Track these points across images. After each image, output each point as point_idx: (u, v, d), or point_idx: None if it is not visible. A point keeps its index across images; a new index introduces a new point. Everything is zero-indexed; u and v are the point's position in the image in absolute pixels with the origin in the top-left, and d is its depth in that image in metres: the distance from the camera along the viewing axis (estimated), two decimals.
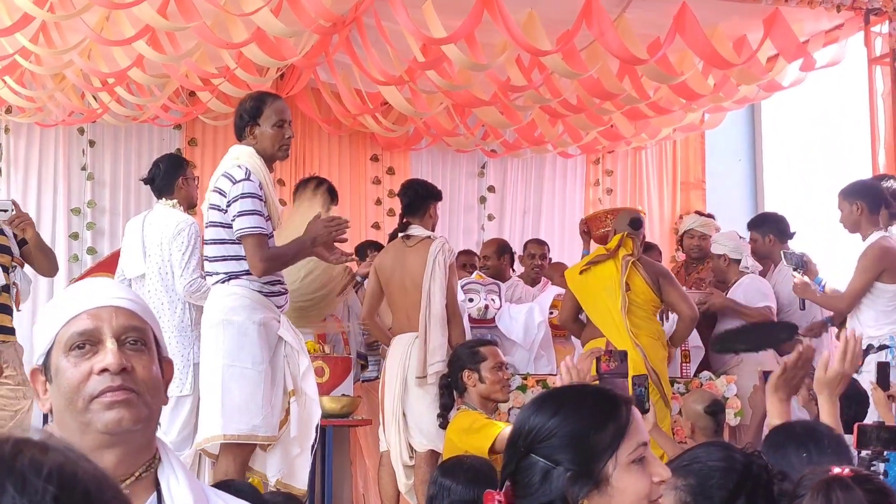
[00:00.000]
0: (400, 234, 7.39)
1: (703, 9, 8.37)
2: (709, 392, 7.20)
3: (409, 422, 7.00)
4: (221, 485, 4.98)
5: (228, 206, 5.62)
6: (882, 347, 6.79)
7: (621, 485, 2.23)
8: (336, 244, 5.92)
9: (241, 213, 5.58)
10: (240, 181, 5.60)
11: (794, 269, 7.33)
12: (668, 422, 7.11)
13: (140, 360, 2.10)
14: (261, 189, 5.67)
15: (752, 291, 8.06)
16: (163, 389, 2.14)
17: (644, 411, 5.72)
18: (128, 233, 7.28)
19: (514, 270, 9.68)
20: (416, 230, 7.23)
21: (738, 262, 8.23)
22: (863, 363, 6.76)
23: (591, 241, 9.15)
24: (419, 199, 7.30)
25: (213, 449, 5.68)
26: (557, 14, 8.29)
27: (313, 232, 5.75)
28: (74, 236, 10.83)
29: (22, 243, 6.74)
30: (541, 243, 9.87)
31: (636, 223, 7.92)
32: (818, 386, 3.85)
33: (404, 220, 7.34)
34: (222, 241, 5.70)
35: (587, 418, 2.28)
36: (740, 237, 8.55)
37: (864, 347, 6.85)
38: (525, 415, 2.35)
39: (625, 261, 7.52)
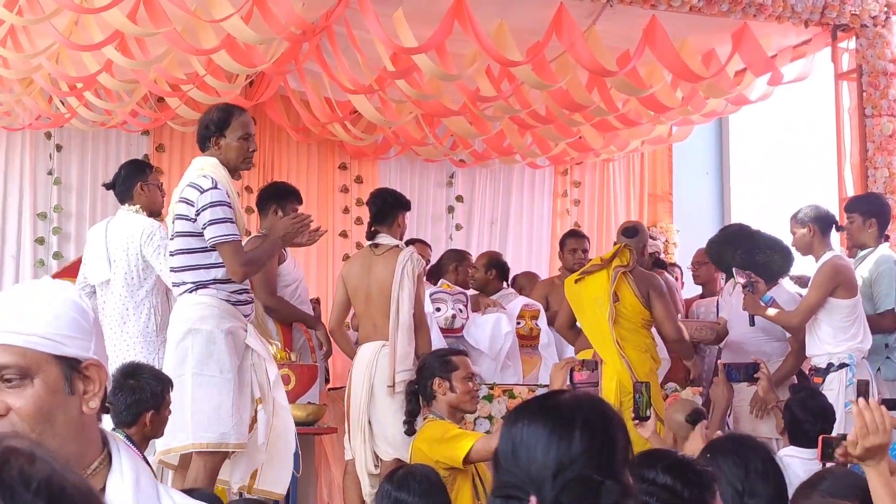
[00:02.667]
0: (368, 243, 7.39)
1: (672, 22, 8.42)
2: (689, 401, 7.18)
3: (374, 430, 6.98)
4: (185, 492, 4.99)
5: (198, 214, 5.66)
6: (842, 366, 6.88)
7: None
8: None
9: (213, 222, 5.62)
10: (208, 190, 5.65)
11: (744, 287, 7.41)
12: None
13: (19, 396, 2.01)
14: (227, 198, 5.72)
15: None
16: (63, 410, 2.03)
17: (644, 418, 5.74)
18: (90, 239, 7.26)
19: (507, 283, 9.62)
20: (385, 239, 7.22)
21: None
22: (823, 381, 6.83)
23: None
24: (388, 208, 7.29)
25: (172, 459, 5.70)
26: (528, 25, 8.31)
27: (281, 230, 5.96)
28: (40, 241, 10.76)
29: None
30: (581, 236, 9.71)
31: (629, 232, 7.98)
32: (859, 458, 3.40)
33: (372, 229, 7.33)
34: (191, 251, 5.72)
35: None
36: None
37: (824, 366, 6.96)
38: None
39: (615, 271, 7.49)
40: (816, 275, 7.18)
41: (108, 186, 7.32)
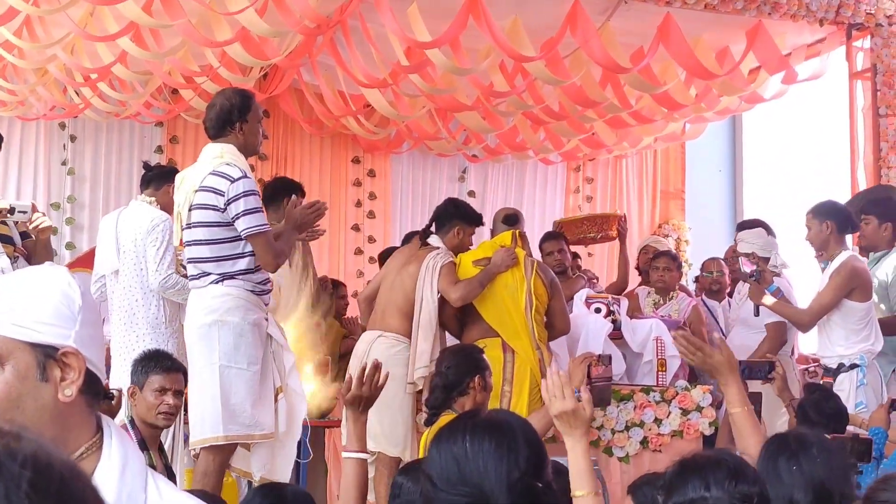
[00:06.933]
0: (420, 241, 7.44)
1: (686, 19, 8.41)
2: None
3: None
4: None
5: (228, 204, 5.53)
6: (853, 366, 6.85)
7: None
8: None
9: (247, 212, 5.53)
10: (239, 179, 5.54)
11: (750, 277, 7.36)
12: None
13: None
14: (256, 186, 5.70)
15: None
16: (33, 397, 2.02)
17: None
18: (102, 229, 7.30)
19: None
20: (434, 241, 7.30)
21: (767, 260, 7.94)
22: (834, 381, 6.82)
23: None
24: (445, 217, 7.39)
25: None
26: (542, 21, 8.31)
27: (295, 220, 5.88)
28: (53, 231, 10.77)
29: (24, 235, 6.62)
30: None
31: (510, 219, 7.74)
32: None
33: (430, 230, 7.40)
34: (218, 241, 5.61)
35: None
36: (769, 234, 8.25)
37: (835, 366, 6.93)
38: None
39: (529, 261, 7.33)
40: (834, 275, 7.02)
41: (146, 167, 7.40)
